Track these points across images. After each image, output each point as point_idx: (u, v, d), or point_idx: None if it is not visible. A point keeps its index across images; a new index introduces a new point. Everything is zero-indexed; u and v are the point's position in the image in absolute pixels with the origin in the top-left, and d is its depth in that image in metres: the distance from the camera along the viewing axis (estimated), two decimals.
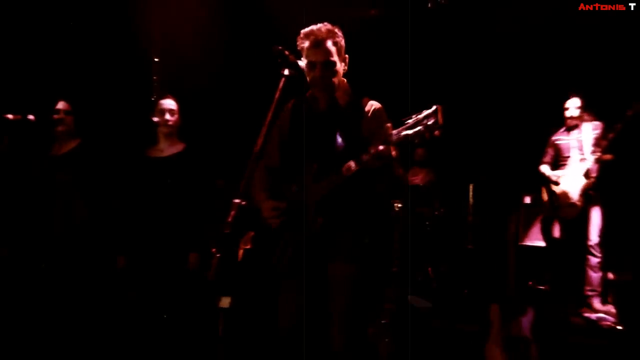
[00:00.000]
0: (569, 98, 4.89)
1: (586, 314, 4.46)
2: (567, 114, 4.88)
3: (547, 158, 5.08)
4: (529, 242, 5.63)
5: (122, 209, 3.78)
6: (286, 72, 2.44)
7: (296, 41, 2.59)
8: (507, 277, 3.93)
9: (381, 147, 2.27)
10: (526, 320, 3.73)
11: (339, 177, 2.42)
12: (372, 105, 2.64)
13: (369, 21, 5.99)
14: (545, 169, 5.06)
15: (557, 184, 4.89)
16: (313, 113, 2.65)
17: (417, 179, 6.25)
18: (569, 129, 4.91)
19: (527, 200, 5.70)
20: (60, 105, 3.89)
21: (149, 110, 3.89)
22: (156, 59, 5.20)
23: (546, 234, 5.19)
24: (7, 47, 4.76)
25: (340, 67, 2.60)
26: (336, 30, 2.56)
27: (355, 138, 2.54)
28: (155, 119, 3.78)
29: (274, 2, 5.35)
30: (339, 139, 2.56)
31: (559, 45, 5.53)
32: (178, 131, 3.89)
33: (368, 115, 2.60)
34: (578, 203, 4.71)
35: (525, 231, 5.69)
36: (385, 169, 2.39)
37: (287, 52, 2.45)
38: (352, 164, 2.38)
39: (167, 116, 3.80)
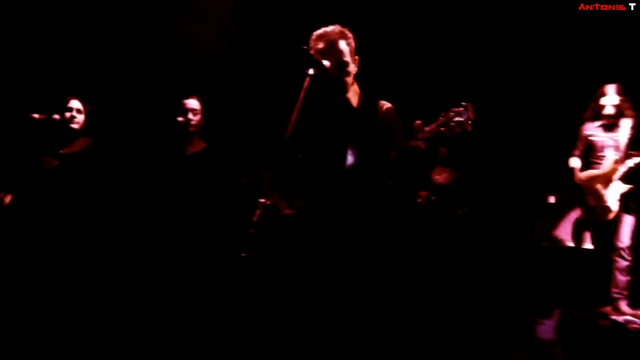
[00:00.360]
0: (604, 91, 4.69)
1: (613, 317, 4.39)
2: (605, 111, 4.67)
3: (577, 151, 4.89)
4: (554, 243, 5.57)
5: (142, 206, 3.81)
6: (311, 71, 2.44)
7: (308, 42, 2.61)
8: (532, 278, 3.91)
9: (416, 143, 2.30)
10: (552, 322, 3.70)
11: (366, 174, 2.44)
12: (384, 105, 2.67)
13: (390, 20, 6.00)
14: (575, 162, 4.89)
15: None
16: (326, 114, 2.66)
17: (441, 178, 6.21)
18: (606, 126, 4.72)
19: (552, 199, 5.62)
20: (73, 103, 3.89)
21: (172, 110, 3.93)
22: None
23: (577, 237, 5.09)
24: (26, 45, 4.81)
25: (352, 68, 2.62)
26: (347, 31, 2.60)
27: (370, 138, 2.56)
28: (179, 119, 3.82)
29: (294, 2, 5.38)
30: (354, 140, 2.57)
31: (580, 40, 5.47)
32: (201, 131, 3.93)
33: (382, 116, 2.63)
34: (613, 207, 4.57)
35: (550, 231, 5.62)
36: (411, 166, 2.41)
37: (312, 52, 2.48)
38: (381, 161, 2.40)
39: (190, 116, 3.84)
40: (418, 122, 2.33)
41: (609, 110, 4.66)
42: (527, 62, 5.66)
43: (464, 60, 5.83)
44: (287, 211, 2.58)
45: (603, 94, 4.70)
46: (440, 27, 5.89)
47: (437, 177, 6.22)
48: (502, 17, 5.59)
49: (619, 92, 4.65)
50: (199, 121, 3.89)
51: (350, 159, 2.53)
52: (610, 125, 4.70)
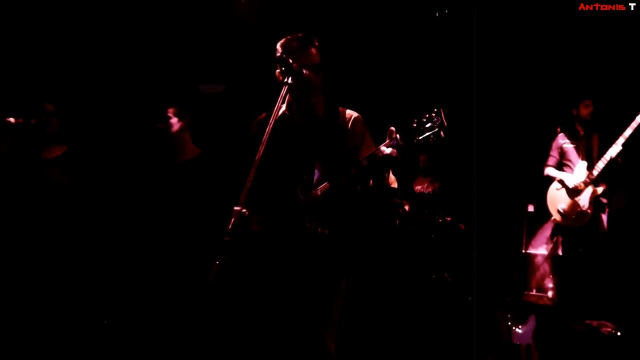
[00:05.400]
0: (581, 102, 4.86)
1: (587, 321, 4.46)
2: (581, 117, 4.86)
3: (552, 162, 5.02)
4: (532, 250, 5.65)
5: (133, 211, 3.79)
6: (289, 80, 2.46)
7: (277, 49, 2.61)
8: (510, 285, 3.98)
9: (390, 150, 2.29)
10: (528, 328, 3.77)
11: (337, 183, 2.43)
12: (351, 114, 2.67)
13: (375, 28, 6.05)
14: (551, 172, 5.01)
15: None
16: (292, 125, 2.67)
17: (421, 187, 6.26)
18: (577, 134, 4.90)
19: (531, 208, 5.71)
20: (46, 107, 3.83)
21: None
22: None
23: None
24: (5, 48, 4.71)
25: (320, 75, 2.64)
26: (315, 39, 2.62)
27: (338, 148, 2.57)
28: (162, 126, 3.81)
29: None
30: (322, 150, 2.58)
31: (564, 48, 5.52)
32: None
33: (348, 125, 2.63)
34: (588, 210, 4.67)
35: (529, 239, 5.70)
36: (380, 176, 2.41)
37: (290, 60, 2.48)
38: (352, 169, 2.39)
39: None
40: (392, 128, 2.32)
41: (584, 117, 4.83)
42: (523, 68, 5.68)
43: (461, 66, 5.84)
44: (261, 226, 2.56)
45: (581, 105, 4.85)
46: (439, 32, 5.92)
47: (418, 186, 6.29)
48: (498, 18, 5.60)
49: (592, 102, 4.82)
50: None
51: (317, 170, 2.54)
52: (584, 135, 4.85)
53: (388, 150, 2.29)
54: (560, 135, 5.01)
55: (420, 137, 2.26)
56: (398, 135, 2.29)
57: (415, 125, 2.28)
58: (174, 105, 3.83)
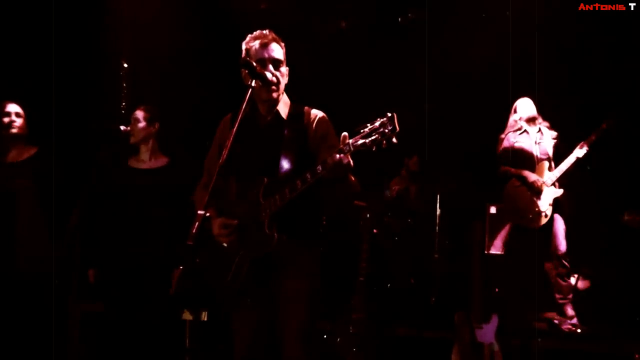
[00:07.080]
0: (521, 102, 4.89)
1: (556, 320, 4.54)
2: (524, 114, 4.86)
3: (506, 159, 4.92)
4: (494, 251, 5.70)
5: (99, 219, 3.68)
6: (253, 83, 2.44)
7: (242, 46, 2.61)
8: (472, 285, 4.03)
9: (339, 156, 2.25)
10: (491, 327, 3.82)
11: (293, 189, 2.40)
12: (316, 114, 2.65)
13: (338, 33, 6.08)
14: (508, 168, 4.91)
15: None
16: (256, 126, 2.64)
17: (396, 187, 6.25)
18: (524, 131, 4.86)
19: (493, 209, 5.76)
20: (10, 107, 3.67)
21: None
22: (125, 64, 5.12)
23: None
24: None
25: (285, 71, 2.63)
26: (279, 39, 2.61)
27: (302, 149, 2.56)
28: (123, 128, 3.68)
29: (241, 17, 5.38)
30: (286, 152, 2.55)
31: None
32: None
33: (313, 125, 2.61)
34: (547, 213, 4.63)
35: (490, 240, 5.76)
36: (342, 179, 2.38)
37: (254, 63, 2.46)
38: (307, 175, 2.36)
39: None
40: (345, 134, 2.29)
41: (528, 113, 4.84)
42: (485, 69, 5.71)
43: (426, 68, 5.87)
44: (221, 230, 2.52)
45: (520, 105, 4.90)
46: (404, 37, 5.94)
47: (396, 186, 6.25)
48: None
49: (532, 97, 4.88)
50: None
51: (281, 172, 2.52)
52: (532, 134, 4.86)
53: (339, 157, 2.26)
54: (511, 134, 4.94)
55: (372, 143, 2.22)
56: (350, 141, 2.26)
57: (367, 130, 2.24)
58: (143, 109, 3.73)
